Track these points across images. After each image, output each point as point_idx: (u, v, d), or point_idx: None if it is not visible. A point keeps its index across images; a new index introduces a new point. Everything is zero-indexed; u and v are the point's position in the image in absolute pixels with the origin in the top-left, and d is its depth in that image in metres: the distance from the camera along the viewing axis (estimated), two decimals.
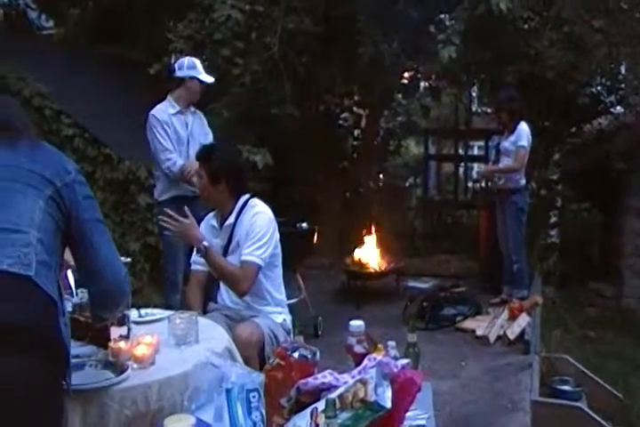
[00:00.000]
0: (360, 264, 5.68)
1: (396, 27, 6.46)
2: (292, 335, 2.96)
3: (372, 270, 5.66)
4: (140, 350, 2.06)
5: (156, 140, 4.18)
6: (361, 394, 1.89)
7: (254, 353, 2.71)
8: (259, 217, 2.91)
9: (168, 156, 4.16)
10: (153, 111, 4.23)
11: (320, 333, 4.60)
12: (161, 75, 6.98)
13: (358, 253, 5.76)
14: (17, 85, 5.60)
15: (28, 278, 1.50)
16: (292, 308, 3.15)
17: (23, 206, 1.57)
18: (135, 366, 2.03)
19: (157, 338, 2.15)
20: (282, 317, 3.00)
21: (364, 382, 1.91)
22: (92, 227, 1.71)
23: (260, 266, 2.85)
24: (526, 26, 6.32)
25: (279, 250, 3.00)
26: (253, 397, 1.90)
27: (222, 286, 3.02)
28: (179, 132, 4.26)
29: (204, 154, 3.05)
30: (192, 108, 4.41)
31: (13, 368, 1.39)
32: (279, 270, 3.02)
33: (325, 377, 2.04)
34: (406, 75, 7.84)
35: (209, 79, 4.33)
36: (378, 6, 6.15)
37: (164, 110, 4.25)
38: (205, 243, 2.83)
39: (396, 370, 2.00)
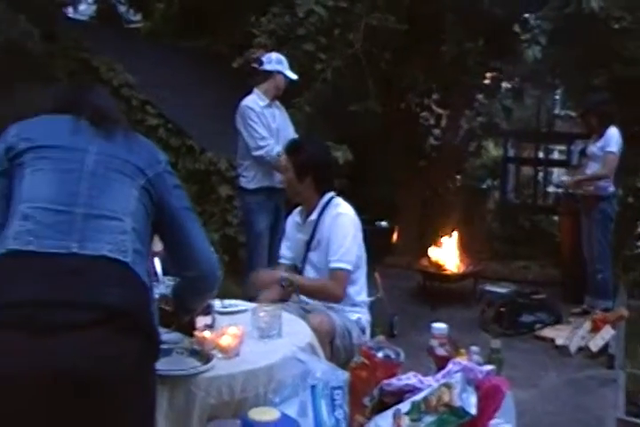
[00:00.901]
0: (437, 265, 5.59)
1: (481, 26, 6.33)
2: (366, 334, 2.93)
3: (449, 272, 5.56)
4: (226, 341, 2.06)
5: (251, 128, 4.23)
6: (446, 398, 1.84)
7: (323, 343, 2.68)
8: (342, 219, 2.87)
9: (265, 142, 4.21)
10: (245, 102, 4.29)
11: (395, 332, 4.53)
12: (244, 68, 7.08)
13: (435, 254, 5.66)
14: (107, 75, 5.78)
15: (125, 265, 1.52)
16: (369, 306, 3.10)
17: (120, 195, 1.60)
18: (220, 355, 2.03)
19: (242, 330, 2.15)
20: (357, 315, 2.96)
21: (448, 387, 1.87)
22: (184, 215, 1.72)
23: (349, 271, 2.81)
24: (617, 26, 6.06)
25: (363, 251, 2.95)
26: (337, 394, 1.89)
27: None
28: (270, 124, 4.30)
29: (293, 148, 3.04)
30: (277, 102, 4.44)
31: (117, 351, 1.42)
32: (362, 272, 2.97)
33: (409, 379, 2.00)
34: (489, 75, 7.68)
35: (293, 76, 4.36)
36: (463, 5, 6.05)
37: (256, 102, 4.29)
38: (284, 275, 2.82)
39: (480, 376, 1.94)
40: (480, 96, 8.02)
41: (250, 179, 4.34)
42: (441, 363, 2.12)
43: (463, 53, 6.23)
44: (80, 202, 1.55)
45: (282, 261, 3.10)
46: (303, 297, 2.97)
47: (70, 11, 8.04)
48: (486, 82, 7.68)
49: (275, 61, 4.36)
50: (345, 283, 2.80)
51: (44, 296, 1.40)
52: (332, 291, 2.80)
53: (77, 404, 1.37)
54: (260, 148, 4.21)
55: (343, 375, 1.92)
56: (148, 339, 1.52)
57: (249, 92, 4.40)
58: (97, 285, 1.46)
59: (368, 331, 2.97)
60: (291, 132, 4.40)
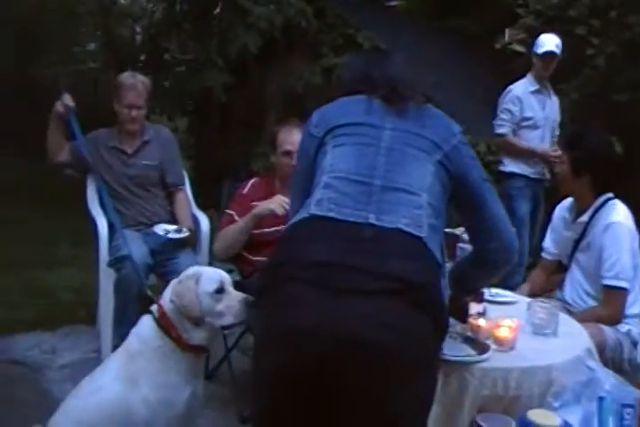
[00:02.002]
0: None
1: None
2: (638, 348, 2.66)
3: None
4: (503, 333, 1.97)
5: (500, 111, 4.13)
6: None
7: None
8: (618, 229, 2.59)
9: (500, 130, 4.12)
10: (512, 85, 4.14)
11: None
12: (505, 50, 6.79)
13: None
14: None
15: (420, 240, 1.50)
16: None
17: (416, 170, 1.59)
18: (494, 347, 1.94)
19: (517, 323, 2.04)
20: (627, 327, 2.69)
21: None
22: (482, 186, 1.68)
23: (626, 290, 2.56)
24: None
25: (639, 260, 2.67)
26: (628, 413, 1.72)
27: (569, 280, 2.80)
28: (533, 110, 4.10)
29: (572, 140, 2.82)
30: (549, 88, 4.21)
31: (408, 324, 1.41)
32: (637, 282, 2.68)
33: None
34: None
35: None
36: None
37: (523, 87, 4.12)
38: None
39: None
40: None
41: (507, 163, 4.21)
42: None
43: None
44: (378, 175, 1.56)
45: (545, 255, 2.93)
46: (565, 297, 2.78)
47: None
48: None
49: (547, 44, 4.11)
50: (622, 303, 2.57)
51: (340, 260, 1.43)
52: (607, 319, 2.57)
53: (361, 369, 1.38)
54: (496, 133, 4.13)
55: (634, 393, 1.74)
56: (437, 317, 1.49)
57: (511, 75, 4.24)
58: (391, 256, 1.45)
59: None
60: (556, 123, 4.21)
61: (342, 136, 1.64)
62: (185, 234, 3.11)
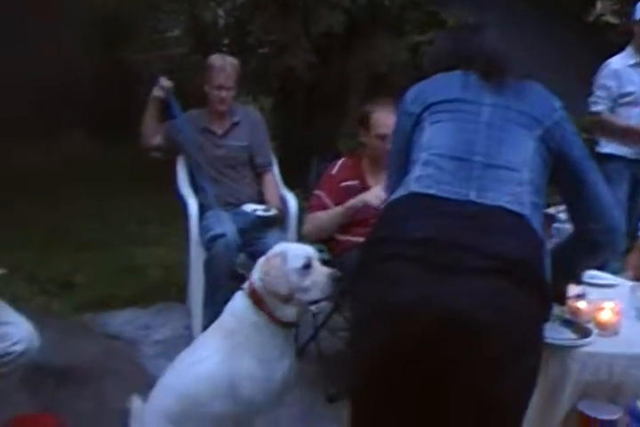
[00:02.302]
0: None
1: None
2: None
3: None
4: (605, 316, 1.89)
5: (595, 88, 3.90)
6: None
7: None
8: None
9: (594, 108, 3.88)
10: (610, 59, 3.92)
11: None
12: (598, 22, 6.47)
13: None
14: None
15: (523, 217, 1.46)
16: None
17: (516, 146, 1.54)
18: (596, 331, 1.86)
19: (619, 306, 1.95)
20: None
21: None
22: (584, 164, 1.61)
23: None
24: None
25: None
26: None
27: None
28: (634, 85, 3.87)
29: None
30: None
31: (514, 303, 1.37)
32: None
33: None
34: None
35: None
36: None
37: (622, 60, 3.89)
38: None
39: None
40: None
41: (604, 144, 4.00)
42: None
43: None
44: (478, 151, 1.53)
45: None
46: None
47: None
48: None
49: None
50: None
51: (441, 237, 1.40)
52: None
53: (463, 348, 1.35)
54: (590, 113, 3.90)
55: None
56: (542, 296, 1.44)
57: (606, 49, 4.00)
58: (494, 234, 1.42)
59: None
60: None
61: (440, 113, 1.61)
62: (273, 213, 3.14)
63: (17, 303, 2.56)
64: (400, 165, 1.66)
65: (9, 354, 2.00)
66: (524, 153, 1.54)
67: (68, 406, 2.55)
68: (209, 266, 3.02)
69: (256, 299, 1.98)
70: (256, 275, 2.01)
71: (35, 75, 7.87)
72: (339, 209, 2.82)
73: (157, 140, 3.37)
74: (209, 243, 3.00)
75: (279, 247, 2.06)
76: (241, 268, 2.91)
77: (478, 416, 1.40)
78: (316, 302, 1.99)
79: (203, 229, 3.14)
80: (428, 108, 1.62)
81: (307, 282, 1.96)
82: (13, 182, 6.04)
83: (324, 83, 5.89)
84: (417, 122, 1.64)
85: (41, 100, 8.24)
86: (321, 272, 1.99)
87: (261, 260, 2.06)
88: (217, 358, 1.96)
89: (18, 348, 2.01)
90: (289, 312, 1.97)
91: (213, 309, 3.02)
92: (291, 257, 1.98)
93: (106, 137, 9.51)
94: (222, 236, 2.94)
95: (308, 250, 2.05)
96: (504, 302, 1.36)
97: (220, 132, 3.36)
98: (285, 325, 2.01)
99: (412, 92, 1.70)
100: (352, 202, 2.77)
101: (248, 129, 3.38)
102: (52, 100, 8.43)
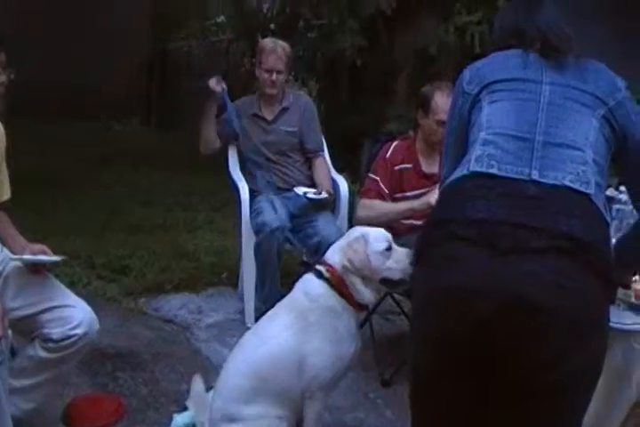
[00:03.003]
0: None
1: None
2: None
3: None
4: None
5: None
6: None
7: None
8: None
9: None
10: None
11: None
12: None
13: None
14: None
15: (587, 197, 1.44)
16: None
17: (579, 125, 1.51)
18: None
19: None
20: None
21: None
22: None
23: None
24: None
25: None
26: None
27: None
28: None
29: None
30: None
31: (579, 284, 1.35)
32: None
33: None
34: None
35: None
36: None
37: None
38: None
39: None
40: None
41: None
42: None
43: None
44: (539, 130, 1.51)
45: None
46: None
47: None
48: None
49: None
50: None
51: (503, 217, 1.39)
52: None
53: (525, 330, 1.34)
54: None
55: None
56: (607, 277, 1.41)
57: None
58: (558, 213, 1.39)
59: None
60: None
61: (499, 92, 1.59)
62: (324, 196, 3.13)
63: (75, 288, 2.63)
64: (457, 146, 1.65)
65: (70, 337, 2.04)
66: (586, 132, 1.51)
67: (125, 388, 2.61)
68: (258, 250, 3.03)
69: (337, 282, 2.05)
70: (337, 259, 2.07)
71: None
72: (400, 207, 2.81)
73: (218, 143, 3.38)
74: (258, 228, 3.01)
75: (358, 231, 2.14)
76: (292, 252, 2.91)
77: (539, 401, 1.37)
78: (396, 284, 2.08)
79: (252, 214, 3.15)
80: (485, 87, 1.61)
81: (389, 263, 2.05)
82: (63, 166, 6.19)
83: (370, 66, 5.83)
84: (474, 102, 1.62)
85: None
86: (401, 253, 2.07)
87: (341, 244, 2.12)
88: (287, 336, 2.02)
89: (79, 331, 2.05)
90: (368, 295, 2.06)
91: (265, 292, 3.04)
92: (372, 240, 2.07)
93: (156, 124, 9.66)
94: (271, 221, 2.94)
95: (384, 233, 2.13)
96: (569, 283, 1.34)
97: (269, 117, 3.35)
98: (361, 307, 2.10)
99: (468, 72, 1.68)
100: (415, 204, 2.74)
101: (298, 114, 3.37)
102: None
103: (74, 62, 8.36)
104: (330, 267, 2.08)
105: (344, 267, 2.04)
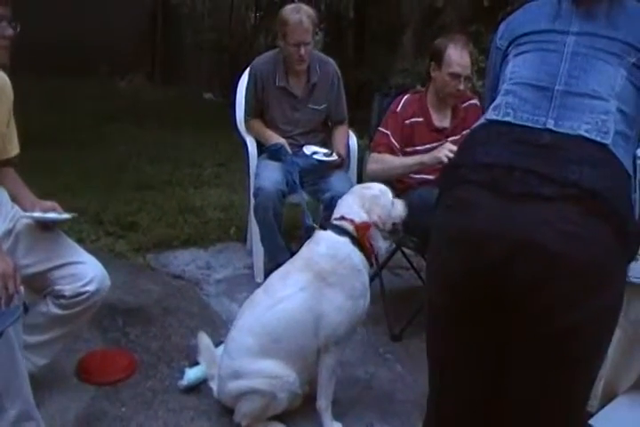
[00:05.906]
0: None
1: None
2: None
3: None
4: None
5: None
6: None
7: None
8: None
9: None
10: None
11: None
12: None
13: None
14: None
15: (604, 146, 1.40)
16: None
17: (604, 75, 1.46)
18: None
19: None
20: None
21: None
22: None
23: None
24: None
25: None
26: None
27: None
28: None
29: None
30: None
31: (587, 233, 1.33)
32: None
33: None
34: None
35: None
36: None
37: None
38: None
39: None
40: None
41: None
42: None
43: None
44: (560, 80, 1.47)
45: None
46: None
47: None
48: None
49: None
50: None
51: (514, 163, 1.38)
52: None
53: (532, 274, 1.32)
54: None
55: None
56: (619, 231, 1.37)
57: None
58: (569, 162, 1.37)
59: None
60: None
61: (525, 44, 1.56)
62: (333, 158, 3.07)
63: (83, 244, 2.61)
64: (492, 101, 1.61)
65: (82, 294, 2.03)
66: (612, 82, 1.45)
67: (137, 344, 2.62)
68: (256, 213, 3.00)
69: (361, 238, 2.07)
70: (362, 214, 2.10)
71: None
72: (410, 161, 2.76)
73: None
74: (255, 191, 2.98)
75: (377, 187, 2.22)
76: (301, 207, 2.87)
77: (551, 348, 1.37)
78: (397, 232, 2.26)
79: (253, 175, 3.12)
80: (514, 40, 1.58)
81: (395, 212, 2.18)
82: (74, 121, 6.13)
83: (376, 19, 5.69)
84: (504, 56, 1.60)
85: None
86: (399, 202, 2.22)
87: (356, 200, 2.15)
88: (304, 296, 2.02)
89: (91, 288, 2.04)
90: (384, 246, 2.18)
91: (270, 250, 3.03)
92: (387, 193, 2.19)
93: (160, 80, 9.53)
94: (266, 186, 2.91)
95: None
96: (580, 231, 1.32)
97: (299, 94, 3.18)
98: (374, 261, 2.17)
99: (503, 26, 1.65)
100: (425, 158, 2.69)
101: (326, 89, 3.20)
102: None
103: (75, 18, 8.22)
104: (354, 222, 2.08)
105: (374, 223, 2.09)
